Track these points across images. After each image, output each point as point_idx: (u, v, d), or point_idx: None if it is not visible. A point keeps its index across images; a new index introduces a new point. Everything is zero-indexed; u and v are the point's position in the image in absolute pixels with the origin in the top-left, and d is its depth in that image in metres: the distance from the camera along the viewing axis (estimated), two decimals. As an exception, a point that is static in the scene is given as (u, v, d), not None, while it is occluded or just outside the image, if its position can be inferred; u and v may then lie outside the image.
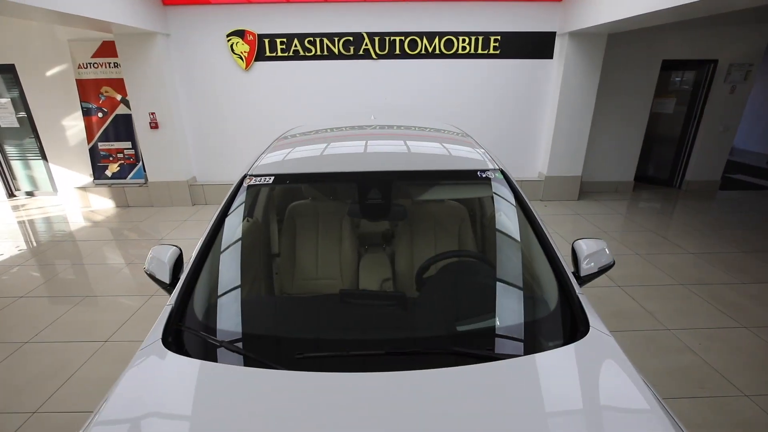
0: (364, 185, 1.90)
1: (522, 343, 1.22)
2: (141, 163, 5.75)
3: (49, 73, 5.54)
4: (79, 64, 5.42)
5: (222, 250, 1.57)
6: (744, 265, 3.76)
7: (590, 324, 1.22)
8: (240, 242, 1.65)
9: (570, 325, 1.26)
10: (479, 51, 5.27)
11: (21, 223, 5.24)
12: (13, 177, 6.25)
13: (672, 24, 5.21)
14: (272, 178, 1.75)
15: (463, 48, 5.25)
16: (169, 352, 1.13)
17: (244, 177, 1.78)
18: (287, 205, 2.10)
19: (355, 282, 1.92)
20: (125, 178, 5.82)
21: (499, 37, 5.21)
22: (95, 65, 5.43)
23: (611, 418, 0.95)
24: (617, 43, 5.38)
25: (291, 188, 2.32)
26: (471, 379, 1.05)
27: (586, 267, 1.55)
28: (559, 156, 5.59)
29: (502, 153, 5.61)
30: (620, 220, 5.04)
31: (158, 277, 1.56)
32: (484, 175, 1.73)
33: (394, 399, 1.00)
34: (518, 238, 1.62)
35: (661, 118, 6.30)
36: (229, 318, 1.37)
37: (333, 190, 2.27)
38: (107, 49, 5.34)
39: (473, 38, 5.21)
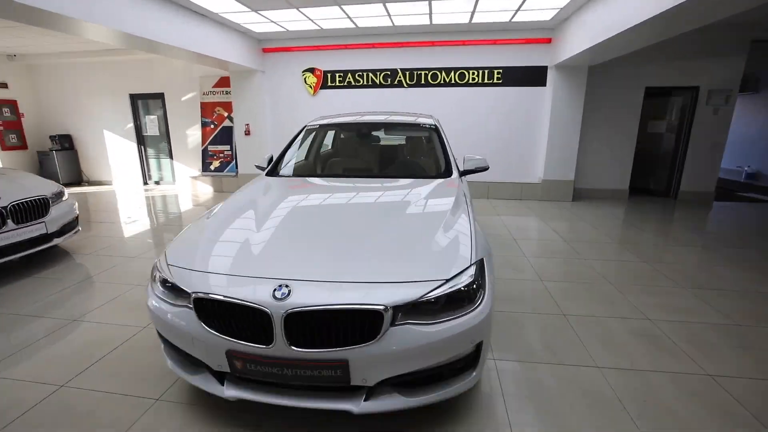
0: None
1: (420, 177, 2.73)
2: (234, 161, 7.95)
3: (183, 98, 8.09)
4: (203, 92, 7.89)
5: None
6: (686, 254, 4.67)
7: (452, 172, 2.69)
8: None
9: (444, 171, 2.75)
10: (485, 81, 6.84)
11: (151, 200, 7.56)
12: (149, 170, 8.82)
13: (653, 55, 6.39)
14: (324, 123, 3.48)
15: (473, 79, 6.86)
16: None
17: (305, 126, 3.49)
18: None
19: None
20: (223, 171, 8.04)
21: (501, 70, 6.75)
22: (213, 93, 7.87)
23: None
24: (604, 73, 6.64)
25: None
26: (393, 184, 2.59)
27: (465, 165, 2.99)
28: (554, 163, 6.78)
29: (504, 161, 6.96)
30: (607, 218, 6.01)
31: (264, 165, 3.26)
32: (425, 125, 3.28)
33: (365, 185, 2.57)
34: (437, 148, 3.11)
35: (655, 137, 7.24)
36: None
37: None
38: (222, 82, 7.77)
39: (481, 71, 6.81)
